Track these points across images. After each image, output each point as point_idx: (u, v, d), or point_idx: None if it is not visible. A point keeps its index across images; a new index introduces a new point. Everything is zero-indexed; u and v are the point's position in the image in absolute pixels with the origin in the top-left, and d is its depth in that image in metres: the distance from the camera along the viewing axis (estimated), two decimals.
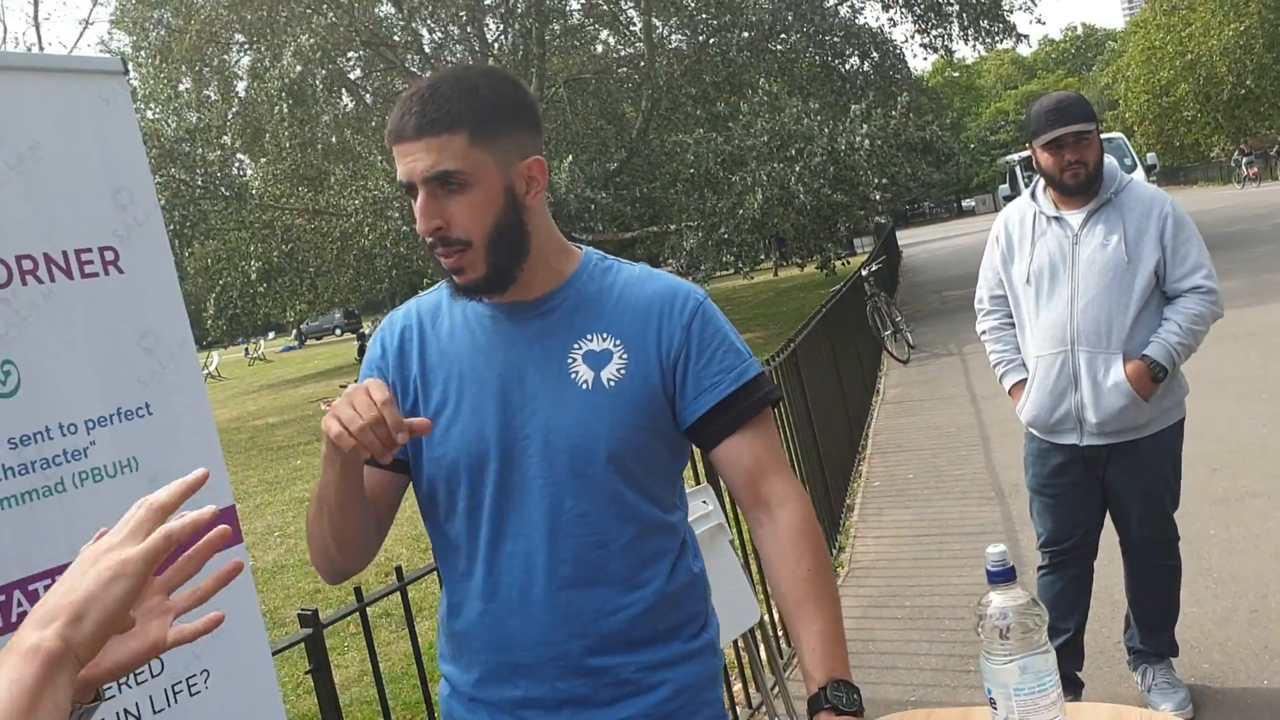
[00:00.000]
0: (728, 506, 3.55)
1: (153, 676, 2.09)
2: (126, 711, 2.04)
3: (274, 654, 2.41)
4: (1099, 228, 3.25)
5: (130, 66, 21.38)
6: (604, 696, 1.58)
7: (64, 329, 2.06)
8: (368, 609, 2.71)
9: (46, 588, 1.95)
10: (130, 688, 2.05)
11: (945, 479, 6.96)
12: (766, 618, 4.06)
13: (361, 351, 24.48)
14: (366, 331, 30.30)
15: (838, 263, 18.90)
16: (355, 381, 1.59)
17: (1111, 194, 3.26)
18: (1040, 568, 3.60)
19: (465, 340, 1.63)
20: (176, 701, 2.12)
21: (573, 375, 1.57)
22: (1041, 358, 3.36)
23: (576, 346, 1.58)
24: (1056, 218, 3.32)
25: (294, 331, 52.74)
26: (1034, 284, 3.36)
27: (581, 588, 1.56)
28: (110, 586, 0.87)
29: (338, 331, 53.14)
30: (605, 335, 1.59)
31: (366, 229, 17.09)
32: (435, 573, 2.86)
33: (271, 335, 55.99)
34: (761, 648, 3.93)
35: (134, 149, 2.27)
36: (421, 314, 1.70)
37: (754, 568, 4.08)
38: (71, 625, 0.84)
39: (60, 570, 1.94)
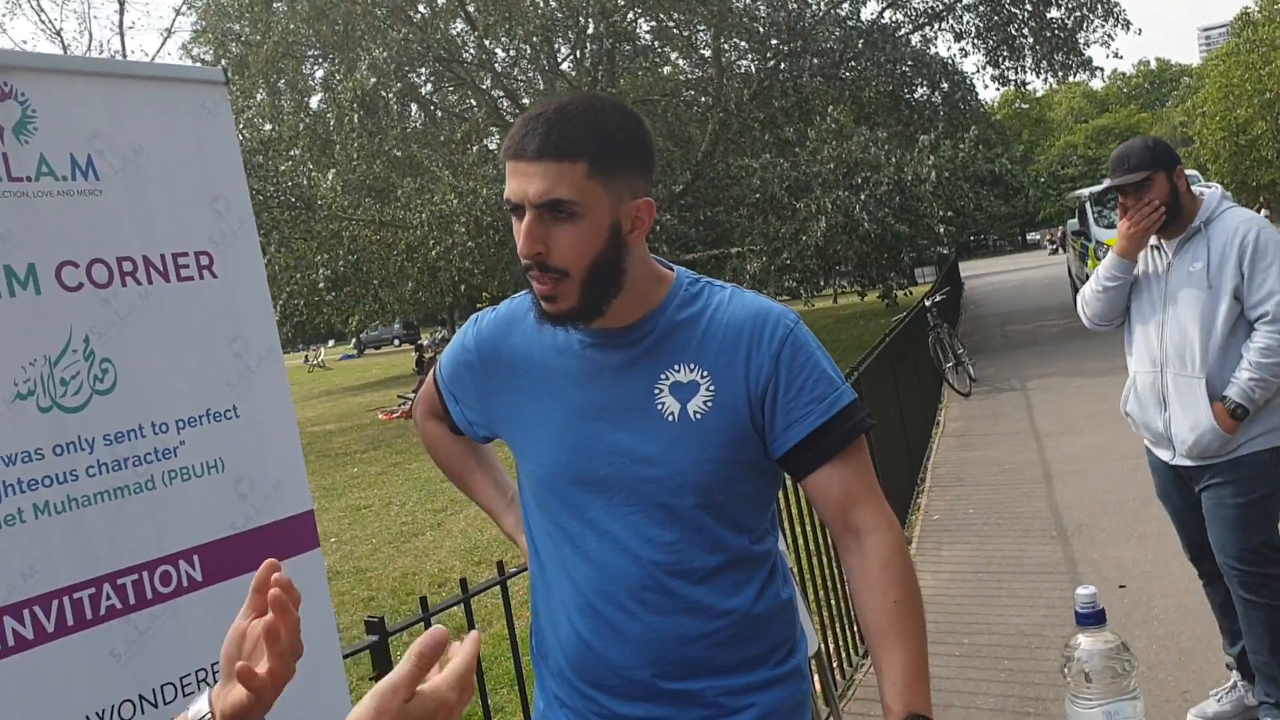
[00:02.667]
0: (787, 531, 3.55)
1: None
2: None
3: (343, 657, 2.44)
4: (1188, 255, 3.36)
5: None
6: (689, 717, 1.58)
7: (159, 330, 2.12)
8: (431, 620, 2.72)
9: (135, 583, 2.00)
10: (209, 685, 2.09)
11: (1006, 516, 6.85)
12: (823, 648, 4.03)
13: (419, 363, 24.72)
14: (425, 343, 30.60)
15: (900, 293, 18.75)
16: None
17: (1202, 223, 3.35)
18: (1200, 575, 3.69)
19: (555, 361, 1.63)
20: None
21: (659, 407, 1.56)
22: (1139, 373, 3.51)
23: (663, 378, 1.57)
24: (1155, 246, 3.48)
25: (353, 340, 53.40)
26: (1134, 305, 3.54)
27: (664, 614, 1.56)
28: None
29: (396, 342, 53.73)
30: (693, 366, 1.57)
31: (432, 242, 17.26)
32: (499, 586, 2.91)
33: (331, 343, 56.76)
34: (816, 678, 3.90)
35: (232, 158, 2.33)
36: (514, 320, 1.70)
37: (811, 594, 4.05)
38: None
39: (147, 567, 1.99)
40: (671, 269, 1.67)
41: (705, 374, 1.56)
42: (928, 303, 12.83)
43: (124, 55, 29.55)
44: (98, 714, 1.93)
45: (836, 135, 16.07)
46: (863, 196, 14.92)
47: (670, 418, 1.55)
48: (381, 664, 2.53)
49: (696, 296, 1.62)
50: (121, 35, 38.10)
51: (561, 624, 1.64)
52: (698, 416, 1.55)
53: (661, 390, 1.56)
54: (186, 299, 2.17)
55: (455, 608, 2.88)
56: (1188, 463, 3.38)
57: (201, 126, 2.27)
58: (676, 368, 1.57)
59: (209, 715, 0.98)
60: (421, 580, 7.40)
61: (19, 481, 1.85)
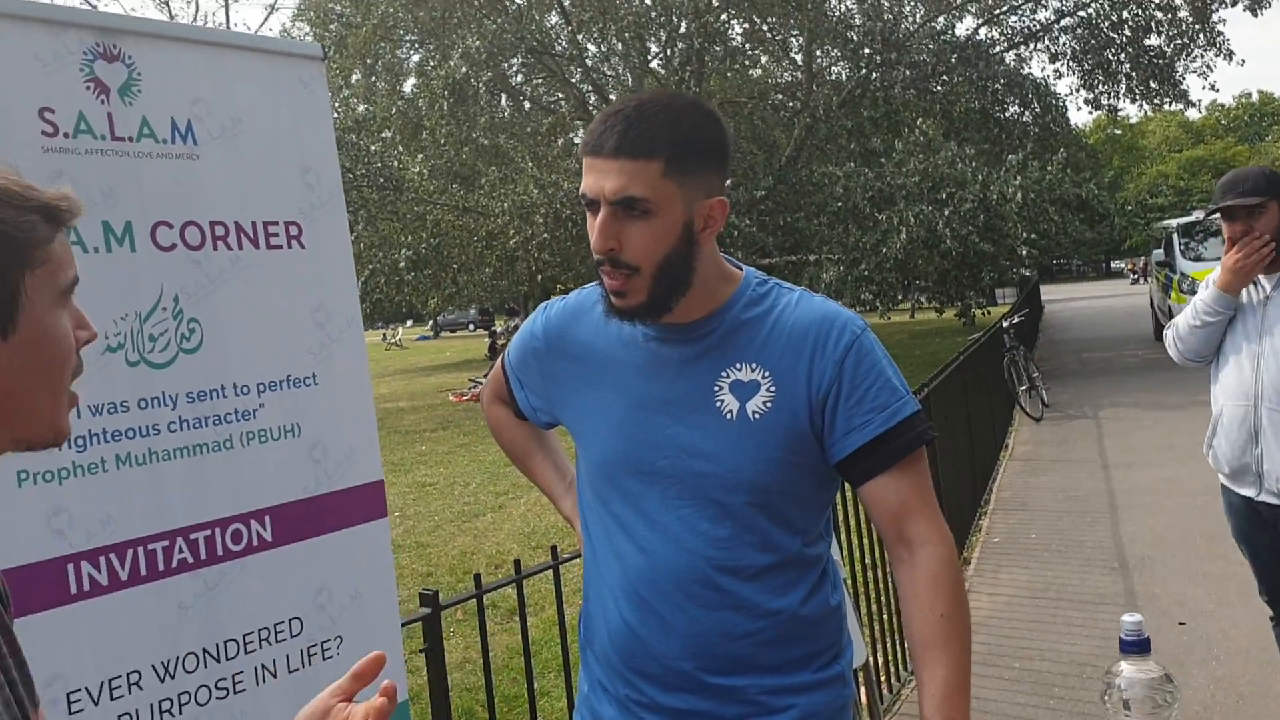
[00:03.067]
0: (843, 542, 3.52)
1: (292, 637, 2.19)
2: (263, 667, 2.14)
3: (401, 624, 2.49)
4: None
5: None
6: (729, 713, 1.59)
7: (246, 295, 2.18)
8: (501, 598, 2.76)
9: (207, 539, 2.06)
10: (270, 644, 2.15)
11: (1068, 544, 6.74)
12: (871, 660, 4.00)
13: (492, 349, 24.98)
14: (499, 330, 30.87)
15: (978, 312, 18.46)
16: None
17: None
18: (1271, 618, 3.60)
19: (619, 352, 1.65)
20: (310, 664, 2.21)
21: (718, 404, 1.57)
22: (1227, 406, 3.39)
23: (724, 375, 1.58)
24: (1255, 281, 3.38)
25: (430, 322, 54.09)
26: (1227, 338, 3.43)
27: (711, 609, 1.58)
28: None
29: (471, 326, 54.33)
30: (754, 366, 1.57)
31: (512, 231, 17.41)
32: (551, 570, 2.94)
33: (409, 323, 57.58)
34: (863, 690, 3.88)
35: (325, 132, 2.39)
36: (583, 310, 1.73)
37: (863, 606, 4.03)
38: None
39: (220, 524, 2.05)
40: (741, 269, 1.68)
41: (767, 374, 1.57)
42: (1005, 324, 12.64)
43: (228, 27, 30.23)
44: (163, 664, 1.99)
45: (924, 148, 15.87)
46: (946, 212, 14.71)
47: (728, 415, 1.56)
48: (433, 636, 2.58)
49: (764, 297, 1.63)
50: (226, 7, 38.85)
51: (610, 610, 1.66)
52: (756, 416, 1.55)
53: (721, 388, 1.57)
54: (274, 266, 2.23)
55: (508, 588, 2.92)
56: (1275, 500, 3.28)
57: (298, 100, 2.33)
58: (738, 366, 1.58)
59: None
60: (479, 560, 7.49)
61: (103, 431, 1.92)
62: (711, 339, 1.60)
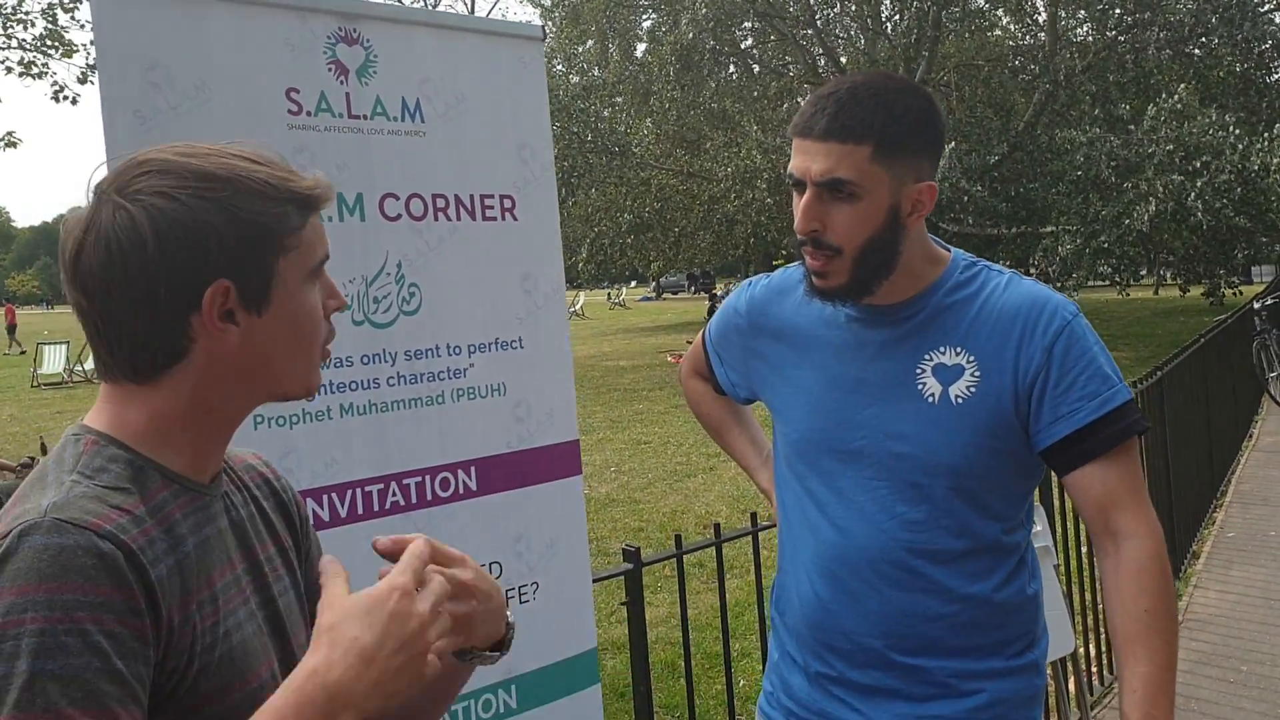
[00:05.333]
0: (1058, 530, 3.43)
1: None
2: None
3: (595, 581, 2.63)
4: None
5: (547, 22, 22.99)
6: (917, 693, 1.60)
7: (462, 263, 2.34)
8: (685, 558, 2.86)
9: (418, 485, 2.25)
10: None
11: None
12: (1081, 650, 3.89)
13: (711, 312, 25.18)
14: (719, 293, 31.08)
15: (1228, 291, 17.15)
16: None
17: None
18: None
19: (821, 331, 1.66)
20: (508, 606, 2.38)
21: (919, 387, 1.56)
22: None
23: (927, 358, 1.56)
24: None
25: (653, 284, 55.00)
26: None
27: (903, 590, 1.58)
28: (412, 684, 0.90)
29: (691, 289, 54.91)
30: (959, 350, 1.55)
31: (734, 196, 17.49)
32: (750, 536, 3.02)
33: (633, 284, 58.73)
34: (1071, 680, 3.78)
35: (540, 110, 2.52)
36: (786, 289, 1.74)
37: (1075, 597, 3.91)
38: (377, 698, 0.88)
39: (430, 471, 2.23)
40: (948, 250, 1.65)
41: (972, 358, 1.54)
42: (1257, 305, 11.70)
43: (471, 9, 31.33)
44: None
45: (1178, 115, 14.80)
46: (1199, 184, 13.71)
47: (930, 398, 1.55)
48: (634, 590, 2.70)
49: (972, 279, 1.60)
50: None
51: (803, 583, 1.69)
52: (959, 400, 1.53)
53: (924, 371, 1.56)
54: (489, 237, 2.39)
55: (708, 550, 3.01)
56: None
57: (517, 79, 2.47)
58: (942, 350, 1.56)
59: None
60: (689, 519, 7.66)
61: (330, 383, 2.13)
62: (915, 321, 1.59)
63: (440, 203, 2.31)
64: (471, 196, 2.36)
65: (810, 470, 1.66)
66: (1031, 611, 1.66)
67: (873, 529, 1.59)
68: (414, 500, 2.25)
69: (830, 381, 1.63)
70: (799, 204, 1.52)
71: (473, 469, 2.34)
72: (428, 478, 2.27)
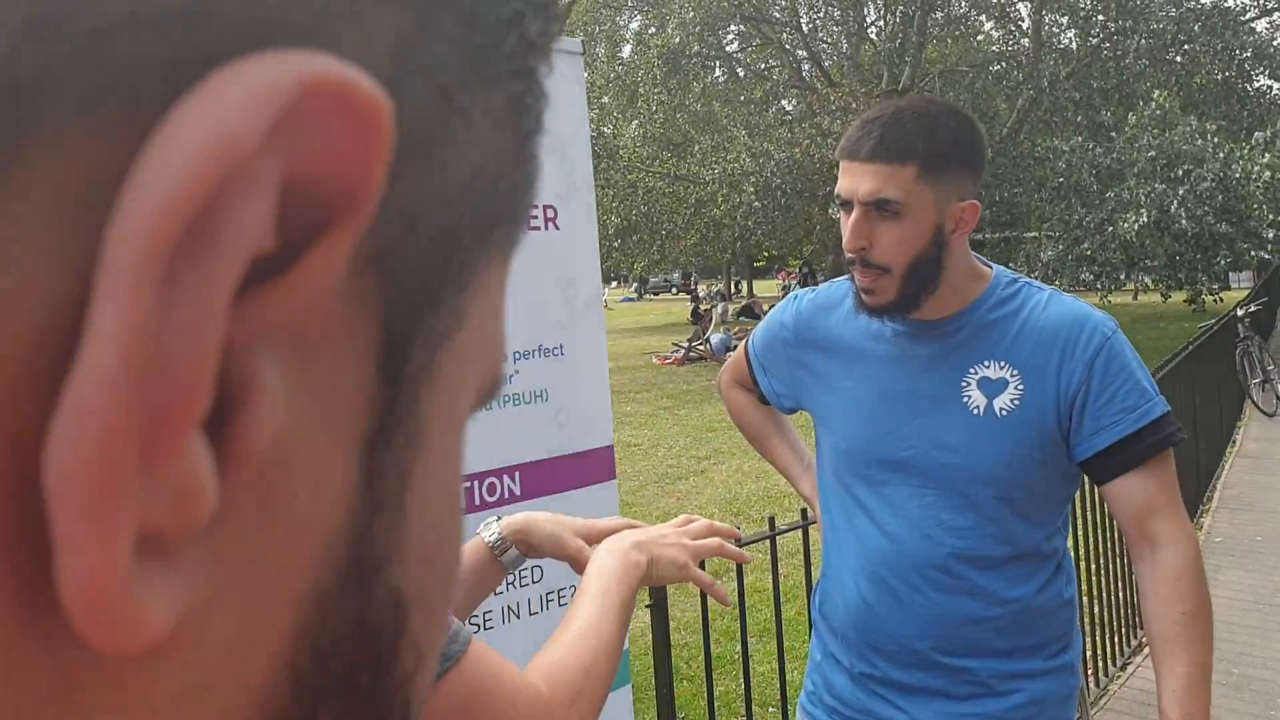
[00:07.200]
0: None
1: (534, 583, 2.42)
2: (508, 609, 2.38)
3: None
4: None
5: None
6: (959, 692, 1.66)
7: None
8: (705, 562, 2.91)
9: (467, 490, 2.30)
10: (515, 588, 2.38)
11: None
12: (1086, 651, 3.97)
13: (695, 314, 25.24)
14: (701, 294, 31.15)
15: (1209, 297, 17.37)
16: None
17: None
18: None
19: (867, 345, 1.72)
20: (547, 609, 2.44)
21: (965, 399, 1.61)
22: None
23: (972, 371, 1.62)
24: None
25: (634, 285, 55.08)
26: None
27: (948, 594, 1.64)
28: (673, 570, 1.15)
29: (674, 290, 54.99)
30: (1003, 364, 1.61)
31: (720, 199, 17.58)
32: (768, 540, 3.08)
33: (614, 284, 58.83)
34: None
35: (581, 123, 2.58)
36: (832, 304, 1.81)
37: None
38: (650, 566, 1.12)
39: (478, 477, 2.29)
40: (991, 267, 1.71)
41: (1015, 372, 1.60)
42: (1240, 312, 11.88)
43: None
44: None
45: (1160, 122, 14.99)
46: (1181, 191, 13.90)
47: (975, 411, 1.60)
48: (658, 592, 2.76)
49: (1013, 296, 1.66)
50: None
51: (848, 587, 1.75)
52: (1003, 413, 1.59)
53: (969, 384, 1.61)
54: (533, 245, 2.44)
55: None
56: None
57: (559, 92, 2.49)
58: (986, 364, 1.62)
59: (498, 537, 1.20)
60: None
61: None
62: (960, 336, 1.64)
63: None
64: None
65: (857, 479, 1.72)
66: (1068, 615, 1.73)
67: (919, 536, 1.65)
68: (463, 505, 2.30)
69: (878, 393, 1.69)
70: (847, 223, 1.59)
71: (517, 474, 2.40)
72: (475, 483, 2.32)
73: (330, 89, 0.18)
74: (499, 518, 1.22)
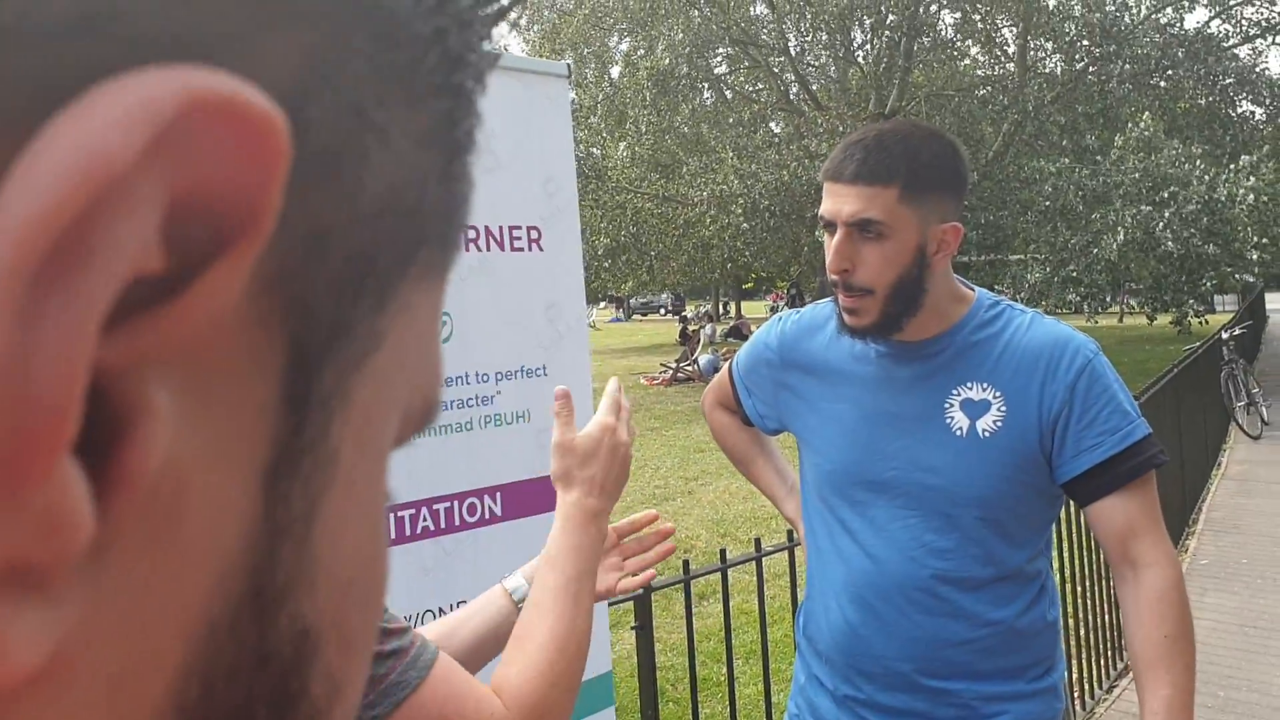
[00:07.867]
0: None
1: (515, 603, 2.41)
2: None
3: (610, 605, 2.68)
4: None
5: (521, 41, 23.12)
6: (943, 715, 1.66)
7: (490, 292, 2.40)
8: (692, 583, 2.92)
9: (447, 510, 2.30)
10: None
11: None
12: (1066, 674, 3.96)
13: (683, 335, 25.29)
14: (689, 315, 31.21)
15: (1194, 320, 17.48)
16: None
17: None
18: None
19: (851, 366, 1.73)
20: None
21: (948, 420, 1.62)
22: None
23: (955, 393, 1.63)
24: None
25: (622, 305, 55.16)
26: None
27: (932, 615, 1.64)
28: (623, 480, 1.23)
29: (662, 311, 55.09)
30: (985, 385, 1.62)
31: (709, 220, 17.63)
32: (754, 562, 3.07)
33: (602, 305, 58.96)
34: None
35: (566, 145, 2.59)
36: (815, 326, 1.82)
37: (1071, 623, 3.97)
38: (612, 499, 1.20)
39: (458, 497, 2.28)
40: (973, 289, 1.73)
41: (998, 394, 1.61)
42: (1225, 335, 11.96)
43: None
44: (406, 619, 2.24)
45: (1145, 146, 15.11)
46: (1166, 214, 13.99)
47: (958, 432, 1.61)
48: (643, 614, 2.75)
49: (996, 318, 1.67)
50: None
51: (832, 609, 1.75)
52: (986, 434, 1.60)
53: (952, 405, 1.62)
54: (516, 267, 2.45)
55: (714, 575, 3.05)
56: None
57: (545, 114, 2.53)
58: (969, 385, 1.63)
59: (521, 585, 1.28)
60: (696, 548, 7.67)
61: None
62: (943, 358, 1.65)
63: (471, 233, 2.37)
64: (501, 227, 2.42)
65: (841, 500, 1.73)
66: (1051, 637, 1.73)
67: (903, 557, 1.65)
68: (443, 525, 2.29)
69: (862, 415, 1.70)
70: (830, 245, 1.60)
71: (499, 494, 2.39)
72: (456, 503, 2.32)
73: (216, 104, 0.18)
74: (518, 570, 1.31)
